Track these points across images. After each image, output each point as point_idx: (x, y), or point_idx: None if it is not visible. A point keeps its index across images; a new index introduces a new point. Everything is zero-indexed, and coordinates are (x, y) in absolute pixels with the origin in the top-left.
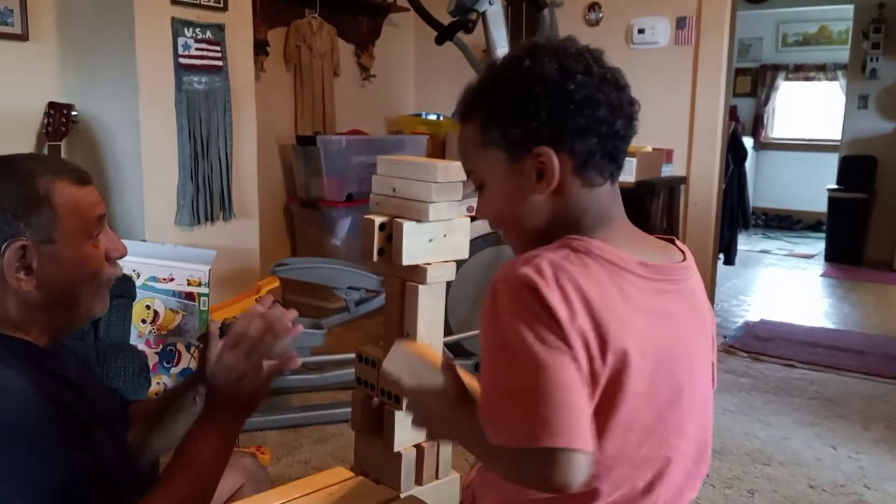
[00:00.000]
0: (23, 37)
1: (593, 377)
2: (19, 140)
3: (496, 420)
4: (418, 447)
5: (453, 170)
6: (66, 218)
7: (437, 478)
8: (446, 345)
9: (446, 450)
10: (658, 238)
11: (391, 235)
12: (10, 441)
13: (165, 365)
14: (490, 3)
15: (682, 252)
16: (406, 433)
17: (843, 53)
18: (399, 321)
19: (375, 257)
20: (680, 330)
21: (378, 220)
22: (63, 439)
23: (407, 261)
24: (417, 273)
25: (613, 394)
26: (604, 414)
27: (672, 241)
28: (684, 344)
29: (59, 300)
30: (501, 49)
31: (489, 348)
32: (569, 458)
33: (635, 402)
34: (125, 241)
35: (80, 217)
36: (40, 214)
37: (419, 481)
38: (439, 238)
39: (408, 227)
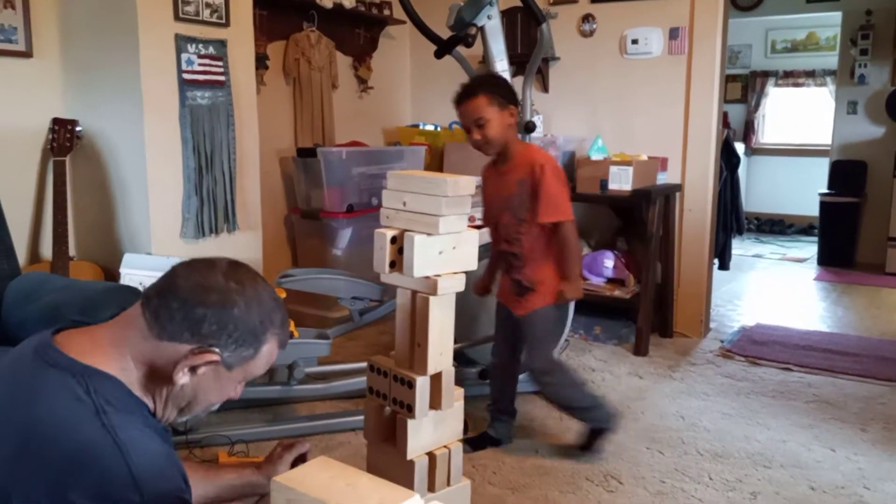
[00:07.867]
0: (27, 54)
1: None
2: (24, 156)
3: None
4: (430, 455)
5: (462, 184)
6: (254, 365)
7: (448, 484)
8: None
9: (457, 457)
10: None
11: (402, 248)
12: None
13: None
14: (489, 17)
15: None
16: (419, 441)
17: (831, 59)
18: (410, 331)
19: (387, 270)
20: None
21: (389, 233)
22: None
23: (418, 273)
24: (428, 284)
25: None
26: None
27: None
28: None
29: (184, 404)
30: (500, 61)
31: (553, 185)
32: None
33: None
34: (130, 255)
35: (259, 370)
36: (246, 350)
37: (432, 488)
38: (449, 250)
39: (418, 239)
